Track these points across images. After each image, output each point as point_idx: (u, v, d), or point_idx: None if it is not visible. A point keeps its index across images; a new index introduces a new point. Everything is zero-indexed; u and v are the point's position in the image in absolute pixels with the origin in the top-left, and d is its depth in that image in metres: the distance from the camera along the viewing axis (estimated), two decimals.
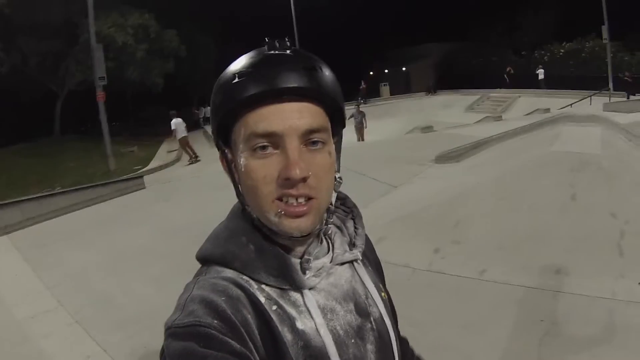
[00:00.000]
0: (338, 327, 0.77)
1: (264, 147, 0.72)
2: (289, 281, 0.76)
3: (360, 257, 0.87)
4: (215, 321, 0.66)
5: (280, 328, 0.72)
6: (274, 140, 0.72)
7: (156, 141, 17.52)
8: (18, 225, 8.04)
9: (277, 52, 0.74)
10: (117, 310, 4.70)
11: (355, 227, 0.91)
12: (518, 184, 6.57)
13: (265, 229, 0.78)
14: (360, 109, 18.54)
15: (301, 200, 0.73)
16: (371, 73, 43.05)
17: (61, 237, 7.35)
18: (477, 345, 3.47)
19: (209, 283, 0.73)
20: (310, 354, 0.72)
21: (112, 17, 20.28)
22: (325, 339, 0.74)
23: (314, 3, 31.65)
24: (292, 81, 0.72)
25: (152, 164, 14.56)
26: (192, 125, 24.04)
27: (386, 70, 41.54)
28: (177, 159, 16.55)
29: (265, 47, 0.75)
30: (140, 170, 13.22)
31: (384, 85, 37.33)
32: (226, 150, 0.79)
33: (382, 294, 0.89)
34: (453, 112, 25.16)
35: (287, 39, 0.76)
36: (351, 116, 17.81)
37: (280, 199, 0.73)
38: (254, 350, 0.67)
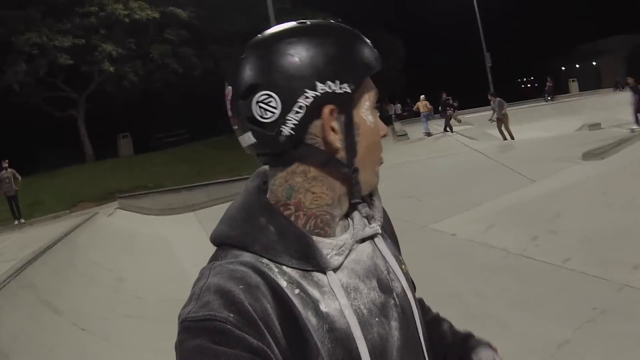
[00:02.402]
0: (362, 307, 0.74)
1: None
2: (312, 263, 0.72)
3: (380, 232, 0.83)
4: (232, 315, 0.63)
5: (303, 313, 0.69)
6: None
7: None
8: (203, 204, 10.13)
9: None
10: None
11: (371, 199, 0.84)
12: (625, 181, 6.46)
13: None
14: (499, 98, 15.74)
15: None
16: (563, 68, 40.10)
17: None
18: (517, 319, 3.90)
19: (226, 269, 0.69)
20: (336, 336, 0.70)
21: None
22: (350, 321, 0.71)
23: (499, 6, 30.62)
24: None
25: None
26: None
27: (577, 66, 38.36)
28: None
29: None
30: None
31: (572, 81, 34.71)
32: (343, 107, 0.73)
33: (403, 266, 0.86)
34: None
35: None
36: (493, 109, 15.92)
37: None
38: (272, 344, 0.64)
